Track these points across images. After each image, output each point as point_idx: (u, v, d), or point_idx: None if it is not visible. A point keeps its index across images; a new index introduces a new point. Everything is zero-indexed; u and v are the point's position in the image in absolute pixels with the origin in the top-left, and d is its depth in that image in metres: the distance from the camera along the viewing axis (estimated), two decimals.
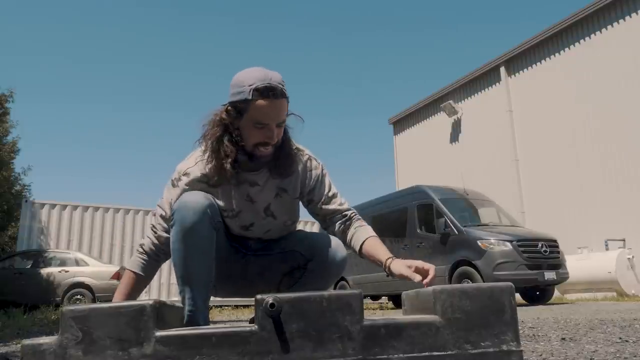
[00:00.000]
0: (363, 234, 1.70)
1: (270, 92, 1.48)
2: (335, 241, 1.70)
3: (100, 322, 1.06)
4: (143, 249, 1.73)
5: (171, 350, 1.05)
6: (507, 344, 1.09)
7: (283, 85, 1.53)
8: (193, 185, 1.64)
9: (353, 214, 1.77)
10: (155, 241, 1.71)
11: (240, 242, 1.77)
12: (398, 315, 1.19)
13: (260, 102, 1.48)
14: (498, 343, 1.09)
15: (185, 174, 1.66)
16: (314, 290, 1.11)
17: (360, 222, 1.76)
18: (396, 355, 1.07)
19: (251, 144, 1.57)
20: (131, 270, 1.71)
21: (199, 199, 1.53)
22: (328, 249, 1.67)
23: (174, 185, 1.68)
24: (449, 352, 1.08)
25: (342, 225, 1.75)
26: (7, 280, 10.04)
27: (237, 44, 54.23)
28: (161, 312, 1.11)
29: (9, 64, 37.93)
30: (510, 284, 1.12)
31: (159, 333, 1.06)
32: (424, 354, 1.08)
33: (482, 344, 1.09)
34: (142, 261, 1.72)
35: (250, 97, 1.48)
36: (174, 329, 1.12)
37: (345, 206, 1.78)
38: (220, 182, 1.62)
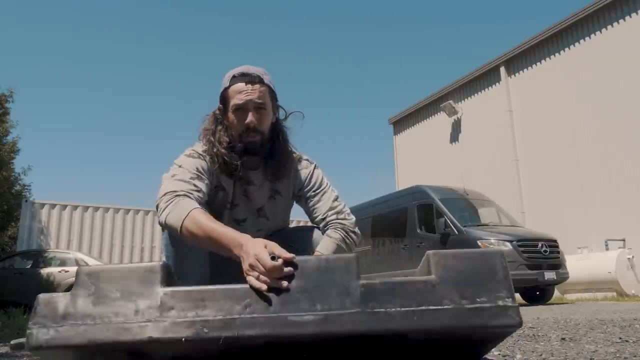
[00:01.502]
0: (321, 245, 1.65)
1: (244, 76, 1.58)
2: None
3: (112, 279, 1.14)
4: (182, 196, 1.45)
5: (176, 302, 1.11)
6: (503, 300, 1.12)
7: (263, 75, 1.60)
8: (205, 166, 1.61)
9: (333, 220, 1.69)
10: (197, 195, 1.48)
11: None
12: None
13: (235, 86, 1.58)
14: (494, 299, 1.12)
15: (198, 153, 1.63)
16: None
17: (331, 231, 1.67)
18: (394, 309, 1.10)
19: (238, 134, 1.61)
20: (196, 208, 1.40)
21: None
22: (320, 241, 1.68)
23: (193, 157, 1.61)
24: (446, 307, 1.10)
25: (326, 229, 1.70)
26: (7, 280, 10.02)
27: (237, 44, 54.29)
28: (170, 278, 1.18)
29: (9, 64, 37.92)
30: (500, 249, 1.14)
31: (165, 288, 1.13)
32: (420, 307, 1.10)
33: (478, 299, 1.11)
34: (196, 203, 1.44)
35: (228, 85, 1.59)
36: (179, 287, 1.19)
37: (329, 204, 1.71)
38: (222, 169, 1.62)
